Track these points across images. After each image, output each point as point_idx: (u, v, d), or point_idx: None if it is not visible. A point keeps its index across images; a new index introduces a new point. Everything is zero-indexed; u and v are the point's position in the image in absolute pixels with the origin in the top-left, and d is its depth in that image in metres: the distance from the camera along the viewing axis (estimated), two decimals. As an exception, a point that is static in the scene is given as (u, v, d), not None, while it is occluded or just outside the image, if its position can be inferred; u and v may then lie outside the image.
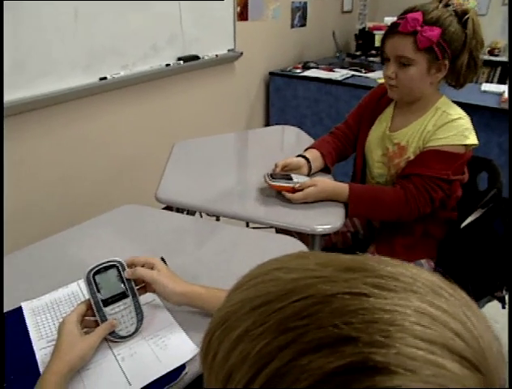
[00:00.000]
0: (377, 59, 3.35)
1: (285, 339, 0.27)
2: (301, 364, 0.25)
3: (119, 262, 0.76)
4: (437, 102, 1.24)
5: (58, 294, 0.87)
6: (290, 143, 1.84)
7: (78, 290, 0.88)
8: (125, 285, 0.76)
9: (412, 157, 1.26)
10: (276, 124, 2.94)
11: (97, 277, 0.74)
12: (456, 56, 1.15)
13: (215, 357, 0.31)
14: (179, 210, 1.31)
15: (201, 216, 1.47)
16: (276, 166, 1.32)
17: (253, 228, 1.33)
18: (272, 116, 3.15)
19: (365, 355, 0.25)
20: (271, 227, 1.25)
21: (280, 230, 1.22)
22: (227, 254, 1.00)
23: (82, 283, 0.89)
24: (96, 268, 0.75)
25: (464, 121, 1.19)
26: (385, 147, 1.33)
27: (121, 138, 2.15)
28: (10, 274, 0.95)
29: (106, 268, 0.75)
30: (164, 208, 1.33)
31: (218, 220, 1.53)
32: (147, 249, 1.02)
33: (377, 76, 2.77)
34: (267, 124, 3.21)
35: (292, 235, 1.12)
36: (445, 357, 0.25)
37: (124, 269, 0.76)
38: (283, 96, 3.05)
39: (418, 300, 0.27)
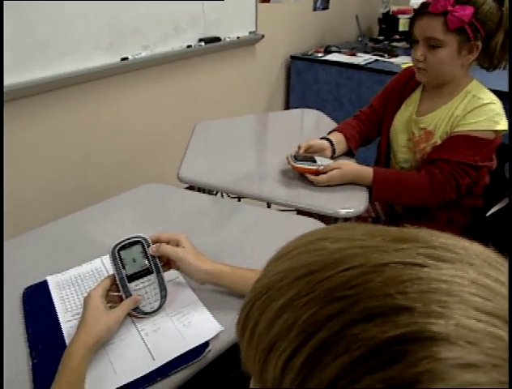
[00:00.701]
0: (400, 44, 3.27)
1: (333, 308, 0.26)
2: (352, 333, 0.25)
3: (144, 238, 0.76)
4: (467, 86, 1.20)
5: (82, 269, 0.88)
6: (311, 126, 1.81)
7: (101, 266, 0.88)
8: (149, 261, 0.76)
9: (439, 142, 1.23)
10: (296, 108, 2.91)
11: (122, 253, 0.74)
12: (490, 36, 1.11)
13: (256, 328, 0.30)
14: (200, 190, 1.31)
15: (222, 197, 1.46)
16: (299, 148, 1.31)
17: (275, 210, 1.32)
18: (292, 100, 3.11)
19: (422, 325, 0.24)
20: (293, 210, 1.24)
21: (302, 212, 1.20)
22: (249, 235, 1.00)
23: (105, 259, 0.90)
24: (121, 244, 0.75)
25: (495, 105, 1.16)
26: (411, 131, 1.30)
27: (142, 119, 2.15)
28: (34, 249, 0.96)
29: (131, 244, 0.75)
30: (186, 188, 1.32)
31: (239, 201, 1.53)
32: (169, 227, 1.02)
33: (401, 61, 2.70)
34: (287, 108, 3.17)
35: (313, 218, 1.11)
36: (506, 330, 0.24)
37: (149, 245, 0.76)
38: (304, 80, 3.01)
39: (475, 272, 0.26)
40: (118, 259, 0.74)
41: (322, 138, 1.36)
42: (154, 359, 0.68)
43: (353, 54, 2.92)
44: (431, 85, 1.26)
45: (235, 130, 1.64)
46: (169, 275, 0.81)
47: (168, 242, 0.78)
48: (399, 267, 0.26)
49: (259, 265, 0.76)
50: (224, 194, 1.39)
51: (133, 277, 0.74)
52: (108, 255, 0.89)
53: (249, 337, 0.31)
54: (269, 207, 1.58)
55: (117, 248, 0.74)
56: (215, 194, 1.36)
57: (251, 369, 0.31)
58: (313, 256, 0.30)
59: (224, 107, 2.62)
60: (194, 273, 0.76)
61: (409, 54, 2.98)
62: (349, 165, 1.24)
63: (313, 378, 0.25)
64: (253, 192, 1.21)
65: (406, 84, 1.35)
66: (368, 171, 1.22)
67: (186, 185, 1.31)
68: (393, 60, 2.80)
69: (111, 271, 0.84)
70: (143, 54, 2.00)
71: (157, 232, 0.80)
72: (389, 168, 1.40)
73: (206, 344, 0.70)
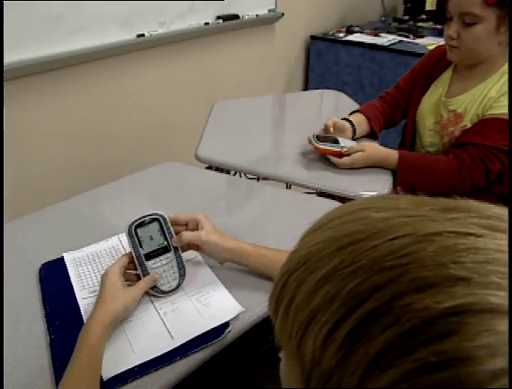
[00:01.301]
0: (427, 24, 3.19)
1: (381, 278, 0.25)
2: (402, 304, 0.24)
3: (161, 215, 0.76)
4: (504, 66, 1.16)
5: (99, 247, 0.88)
6: (331, 107, 1.79)
7: (118, 244, 0.88)
8: (167, 239, 0.75)
9: (469, 126, 1.19)
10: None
11: (139, 230, 0.74)
12: None
13: (293, 300, 0.29)
14: (218, 170, 1.30)
15: (240, 176, 1.46)
16: (326, 127, 1.28)
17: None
18: (311, 81, 3.07)
19: (481, 296, 0.22)
20: (313, 192, 1.23)
21: (322, 195, 1.19)
22: (269, 216, 0.99)
23: (122, 237, 0.90)
24: (138, 221, 0.74)
25: None
26: (439, 114, 1.27)
27: (158, 97, 2.14)
28: (50, 226, 0.96)
29: (148, 221, 0.75)
30: (206, 168, 1.32)
31: (258, 181, 1.52)
32: (187, 207, 1.01)
33: (427, 42, 2.64)
34: (306, 90, 3.13)
35: (334, 200, 1.10)
36: None
37: (166, 223, 0.75)
38: (324, 62, 2.96)
39: None
40: (135, 237, 0.73)
41: (342, 119, 1.34)
42: (173, 338, 0.68)
43: (376, 35, 2.86)
44: (463, 65, 1.22)
45: (253, 110, 1.63)
46: (187, 254, 0.80)
47: (186, 224, 0.78)
48: (452, 237, 0.25)
49: (279, 246, 0.77)
50: (242, 175, 1.38)
51: (150, 255, 0.74)
52: (124, 233, 0.90)
53: (285, 311, 0.30)
54: (288, 188, 1.57)
55: (134, 225, 0.74)
56: (234, 175, 1.35)
57: (285, 344, 0.30)
58: (357, 225, 0.29)
59: (242, 87, 2.60)
60: (217, 251, 0.75)
61: (435, 35, 2.92)
62: (374, 148, 1.22)
63: (359, 350, 0.24)
64: (273, 173, 1.20)
65: (436, 64, 1.31)
66: (393, 154, 1.20)
67: (204, 165, 1.30)
68: (418, 41, 2.73)
69: (128, 248, 0.85)
70: (160, 31, 1.98)
71: (175, 211, 0.79)
72: (415, 152, 1.37)
73: (226, 325, 0.70)
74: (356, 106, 1.51)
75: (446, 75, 1.28)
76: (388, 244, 0.26)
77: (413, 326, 0.23)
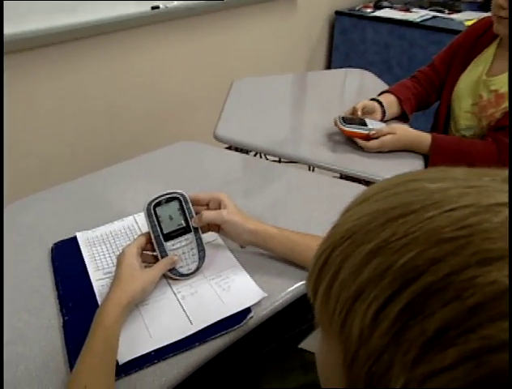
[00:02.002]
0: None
1: (439, 251, 0.24)
2: (463, 279, 0.23)
3: (181, 194, 0.75)
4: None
5: (114, 227, 0.88)
6: (356, 86, 1.76)
7: (134, 224, 0.89)
8: (187, 219, 0.75)
9: None
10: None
11: (158, 209, 0.74)
12: None
13: (337, 276, 0.29)
14: (238, 150, 1.30)
15: (261, 157, 1.45)
16: (354, 110, 1.27)
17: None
18: (335, 60, 3.03)
19: None
20: (338, 176, 1.22)
21: (347, 178, 1.18)
22: (292, 198, 0.99)
23: (138, 217, 0.90)
24: (157, 200, 0.74)
25: None
26: (478, 94, 1.24)
27: (174, 74, 2.13)
28: (62, 204, 0.97)
29: (167, 200, 0.74)
30: (225, 148, 1.32)
31: (279, 161, 1.52)
32: (206, 188, 1.01)
33: (465, 18, 2.57)
34: (329, 69, 3.10)
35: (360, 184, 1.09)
36: None
37: (186, 202, 0.75)
38: (349, 39, 2.92)
39: None
40: (154, 216, 0.73)
41: (371, 100, 1.32)
42: (191, 323, 0.68)
43: (407, 10, 2.80)
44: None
45: (273, 89, 1.62)
46: (206, 236, 0.80)
47: (207, 204, 0.78)
48: None
49: (302, 230, 0.77)
50: (263, 156, 1.38)
51: (169, 236, 0.74)
52: (141, 213, 0.90)
53: (327, 288, 0.29)
54: (311, 171, 1.56)
55: (153, 204, 0.74)
56: (255, 156, 1.35)
57: (326, 324, 0.30)
58: (409, 196, 0.28)
59: (262, 64, 2.58)
60: (240, 233, 0.75)
61: (474, 9, 2.84)
62: (404, 130, 1.20)
63: (414, 327, 0.24)
64: (294, 154, 1.20)
65: (478, 39, 1.27)
66: (425, 137, 1.18)
67: (223, 145, 1.30)
68: (454, 16, 2.67)
69: (144, 229, 0.84)
70: (176, 3, 1.97)
71: (194, 191, 0.79)
72: (449, 135, 1.35)
73: (247, 311, 0.70)
74: (384, 86, 1.49)
75: (489, 51, 1.24)
76: (446, 215, 0.25)
77: (477, 303, 0.22)
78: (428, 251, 0.25)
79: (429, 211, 0.26)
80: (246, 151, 1.31)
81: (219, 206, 0.77)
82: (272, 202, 0.98)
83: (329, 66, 3.11)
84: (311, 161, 1.19)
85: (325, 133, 1.27)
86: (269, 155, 1.28)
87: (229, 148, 1.32)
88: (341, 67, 2.92)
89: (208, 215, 0.75)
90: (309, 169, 1.42)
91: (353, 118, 1.23)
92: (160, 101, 2.12)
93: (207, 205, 0.78)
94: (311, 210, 0.93)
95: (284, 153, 1.22)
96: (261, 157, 1.38)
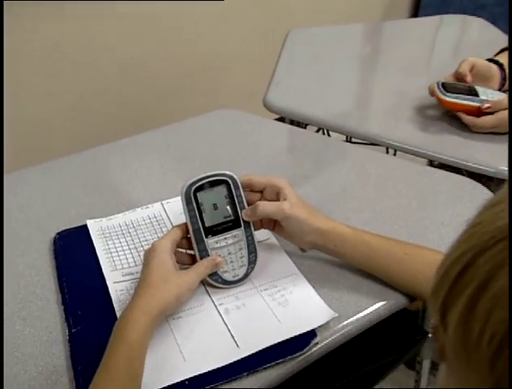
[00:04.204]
0: None
1: None
2: None
3: (230, 176, 0.75)
4: None
5: (136, 215, 0.90)
6: (460, 39, 1.72)
7: (162, 213, 0.90)
8: (236, 210, 0.75)
9: None
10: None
11: (200, 195, 0.74)
12: None
13: (485, 289, 0.28)
14: (293, 124, 1.30)
15: (323, 133, 1.45)
16: (460, 73, 1.23)
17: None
18: (425, 5, 2.93)
19: None
20: (430, 164, 1.21)
21: (443, 167, 1.16)
22: (365, 189, 0.99)
23: (167, 204, 0.92)
24: (199, 183, 0.74)
25: None
26: None
27: (208, 21, 2.13)
28: (68, 182, 1.00)
29: (212, 184, 0.75)
30: (276, 119, 1.32)
31: (349, 141, 1.51)
32: (252, 170, 1.02)
33: None
34: (415, 17, 3.04)
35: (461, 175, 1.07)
36: None
37: (237, 188, 0.75)
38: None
39: None
40: (194, 204, 0.74)
41: (486, 60, 1.29)
42: (238, 346, 0.68)
43: None
44: None
45: (341, 43, 1.61)
46: (258, 234, 0.80)
47: (261, 190, 0.78)
48: None
49: (381, 231, 0.76)
50: (326, 132, 1.37)
51: (212, 230, 0.75)
52: (170, 199, 0.91)
53: (469, 304, 0.29)
54: (388, 153, 1.55)
55: (194, 188, 0.74)
56: (317, 131, 1.35)
57: (463, 352, 0.30)
58: None
59: (325, 10, 2.56)
60: (301, 233, 0.75)
61: None
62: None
63: None
64: (369, 131, 1.19)
65: None
66: None
67: (274, 116, 1.30)
68: None
69: (175, 220, 0.86)
70: None
71: (236, 172, 0.78)
72: None
73: (311, 334, 0.70)
74: (504, 40, 1.45)
75: None
76: None
77: None
78: None
79: None
80: (304, 125, 1.31)
81: (276, 196, 0.77)
82: (340, 192, 0.97)
83: (416, 14, 3.05)
84: (391, 142, 1.18)
85: (412, 104, 1.25)
86: (334, 131, 1.27)
87: (281, 120, 1.32)
88: (435, 14, 2.85)
89: (266, 207, 0.74)
90: (387, 152, 1.41)
91: (458, 85, 1.20)
92: (188, 55, 2.13)
93: (261, 192, 0.78)
94: (392, 206, 0.92)
95: (355, 130, 1.21)
96: (323, 134, 1.38)
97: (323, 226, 0.75)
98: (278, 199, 0.76)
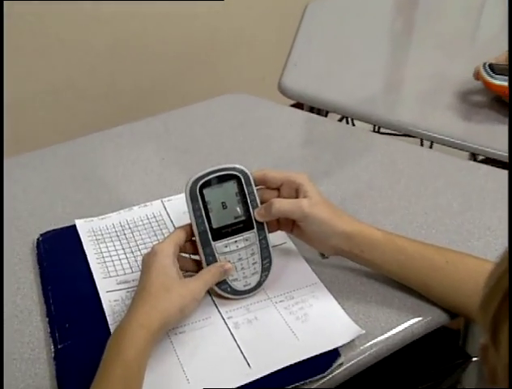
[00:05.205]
0: None
1: None
2: None
3: (241, 171, 0.76)
4: None
5: (133, 214, 0.90)
6: None
7: (162, 212, 0.90)
8: (248, 210, 0.76)
9: None
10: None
11: (206, 192, 0.74)
12: None
13: None
14: (313, 111, 1.30)
15: (347, 122, 1.45)
16: None
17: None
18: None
19: None
20: (473, 158, 1.20)
21: (486, 161, 1.16)
22: (397, 186, 0.99)
23: (168, 202, 0.92)
24: (206, 178, 0.74)
25: None
26: None
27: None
28: (54, 175, 1.01)
29: (220, 180, 0.75)
30: (292, 105, 1.32)
31: (377, 132, 1.51)
32: (265, 162, 1.03)
33: None
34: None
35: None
36: None
37: (249, 184, 0.76)
38: None
39: None
40: (200, 202, 0.74)
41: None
42: (249, 366, 0.68)
43: None
44: None
45: (368, 16, 1.61)
46: (272, 237, 0.80)
47: (277, 187, 0.78)
48: None
49: (417, 235, 0.75)
50: (350, 121, 1.37)
51: (221, 232, 0.75)
52: (172, 197, 0.92)
53: None
54: (422, 146, 1.54)
55: (199, 184, 0.74)
56: (341, 120, 1.35)
57: None
58: None
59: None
60: (323, 236, 0.75)
61: None
62: None
63: None
64: (401, 120, 1.19)
65: None
66: None
67: (291, 101, 1.30)
68: None
69: (177, 221, 0.86)
70: None
71: (251, 166, 0.78)
72: None
73: (334, 354, 0.69)
74: None
75: None
76: None
77: None
78: None
79: None
80: (325, 113, 1.31)
81: (295, 193, 0.77)
82: (365, 191, 0.98)
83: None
84: (427, 132, 1.18)
85: (452, 88, 1.25)
86: (360, 120, 1.27)
87: (299, 106, 1.32)
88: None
89: (282, 205, 0.75)
90: (422, 144, 1.40)
91: (508, 67, 1.20)
92: (192, 32, 2.12)
93: (278, 190, 0.79)
94: (429, 207, 0.93)
95: (384, 118, 1.21)
96: (347, 123, 1.38)
97: (348, 228, 0.75)
98: (297, 197, 0.76)
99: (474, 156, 1.23)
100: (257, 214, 0.76)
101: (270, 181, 0.78)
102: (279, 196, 0.78)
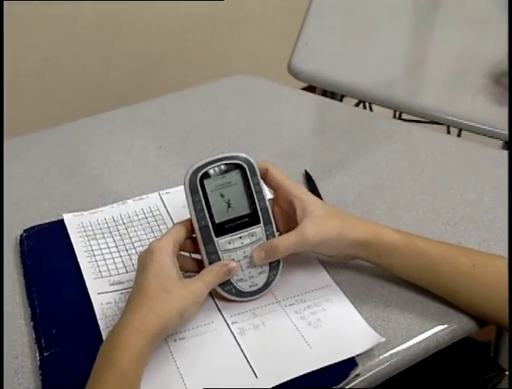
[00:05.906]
0: None
1: None
2: None
3: (246, 160, 0.76)
4: None
5: (127, 208, 0.90)
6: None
7: (160, 206, 0.91)
8: (254, 203, 0.76)
9: None
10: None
11: (207, 184, 0.74)
12: None
13: None
14: (326, 95, 1.30)
15: (364, 107, 1.44)
16: None
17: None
18: None
19: None
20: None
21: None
22: (420, 178, 0.99)
23: (166, 195, 0.92)
24: (207, 168, 0.75)
25: None
26: None
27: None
28: (40, 163, 1.01)
29: (223, 170, 0.75)
30: (303, 89, 1.32)
31: (398, 118, 1.51)
32: (273, 151, 1.03)
33: None
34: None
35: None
36: None
37: (254, 174, 0.76)
38: None
39: None
40: (201, 194, 0.74)
41: None
42: (256, 376, 0.68)
43: None
44: None
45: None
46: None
47: (274, 189, 0.79)
48: None
49: (444, 234, 0.76)
50: (368, 105, 1.37)
51: (224, 228, 0.75)
52: (171, 189, 0.92)
53: None
54: (450, 134, 1.54)
55: (200, 174, 0.74)
56: (357, 105, 1.35)
57: None
58: None
59: None
60: (339, 249, 0.76)
61: None
62: None
63: None
64: (424, 105, 1.19)
65: None
66: None
67: (301, 84, 1.30)
68: None
69: (176, 216, 0.87)
70: None
71: (257, 155, 0.79)
72: None
73: (351, 364, 0.69)
74: None
75: None
76: None
77: None
78: None
79: None
80: (340, 97, 1.31)
81: (289, 205, 0.77)
82: (385, 184, 0.98)
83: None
84: (454, 119, 1.18)
85: (483, 70, 1.26)
86: (379, 105, 1.27)
87: (311, 90, 1.32)
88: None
89: (285, 245, 0.75)
90: (449, 132, 1.40)
91: None
92: (193, 8, 2.12)
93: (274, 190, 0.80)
94: (456, 202, 0.93)
95: (406, 102, 1.22)
96: (364, 108, 1.38)
97: (362, 235, 0.75)
98: (292, 209, 0.77)
99: (508, 145, 1.22)
100: (255, 256, 0.75)
101: (269, 180, 0.79)
102: (274, 199, 0.79)
